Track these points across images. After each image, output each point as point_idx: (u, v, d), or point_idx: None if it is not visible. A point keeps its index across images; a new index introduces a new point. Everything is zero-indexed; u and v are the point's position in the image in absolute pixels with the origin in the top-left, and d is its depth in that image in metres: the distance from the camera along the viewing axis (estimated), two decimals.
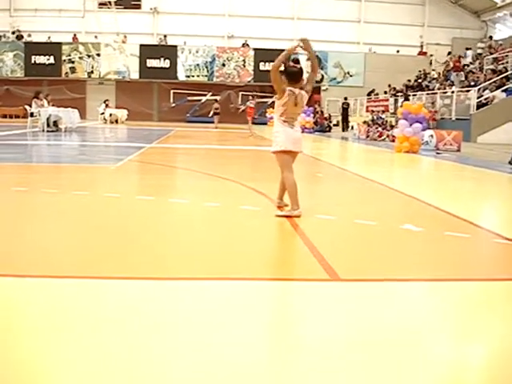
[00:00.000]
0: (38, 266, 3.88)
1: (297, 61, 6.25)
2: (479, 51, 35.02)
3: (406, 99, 26.94)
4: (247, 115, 24.94)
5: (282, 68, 6.05)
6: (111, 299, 3.27)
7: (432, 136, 18.83)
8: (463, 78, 30.14)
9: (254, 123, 25.54)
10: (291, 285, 3.71)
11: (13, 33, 41.85)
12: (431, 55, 40.99)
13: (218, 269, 3.92)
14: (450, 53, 38.30)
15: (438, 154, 17.00)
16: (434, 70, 37.27)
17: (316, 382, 2.33)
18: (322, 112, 33.99)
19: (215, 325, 2.90)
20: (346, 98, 35.96)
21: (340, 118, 35.42)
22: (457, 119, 25.03)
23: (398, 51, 42.39)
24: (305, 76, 6.10)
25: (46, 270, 3.76)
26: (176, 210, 6.30)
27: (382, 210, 6.74)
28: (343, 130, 31.49)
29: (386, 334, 2.87)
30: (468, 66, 32.61)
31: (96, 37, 41.22)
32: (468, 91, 25.96)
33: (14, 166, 10.53)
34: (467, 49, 35.14)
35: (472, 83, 27.50)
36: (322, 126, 32.27)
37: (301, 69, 6.04)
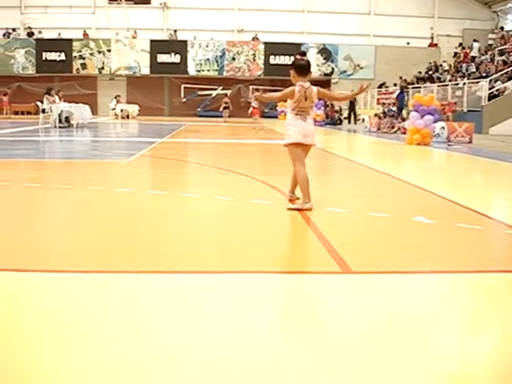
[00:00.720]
0: (52, 261, 3.92)
1: (303, 53, 6.24)
2: (490, 42, 34.80)
3: (401, 92, 27.39)
4: (253, 114, 24.96)
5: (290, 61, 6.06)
6: (124, 293, 3.30)
7: (443, 128, 18.76)
8: (474, 70, 29.97)
9: (263, 117, 25.60)
10: (303, 278, 3.72)
11: (26, 31, 41.92)
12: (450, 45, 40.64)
13: (230, 262, 3.94)
14: (461, 44, 38.06)
15: (449, 145, 16.95)
16: (445, 61, 37.04)
17: (328, 374, 2.35)
18: (332, 105, 33.91)
19: (227, 318, 2.92)
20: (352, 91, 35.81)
21: (347, 111, 35.39)
22: (468, 111, 24.92)
23: (408, 43, 42.18)
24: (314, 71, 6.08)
25: (59, 265, 3.80)
26: (188, 204, 6.33)
27: (394, 203, 6.74)
28: (349, 123, 31.43)
29: (399, 326, 2.88)
30: (475, 58, 32.44)
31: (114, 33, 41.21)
32: (479, 83, 25.82)
33: (26, 162, 10.59)
34: (474, 41, 34.95)
35: (483, 74, 27.34)
36: (332, 119, 32.22)
37: (308, 61, 6.03)
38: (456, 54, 36.13)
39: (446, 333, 2.83)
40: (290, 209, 5.86)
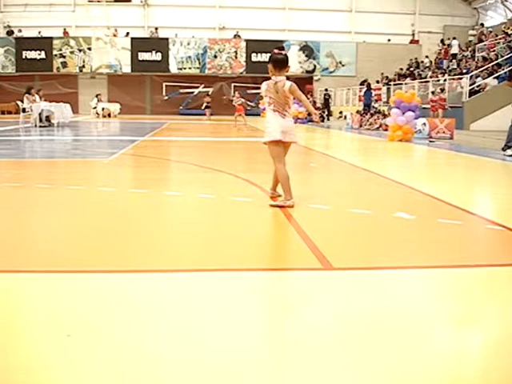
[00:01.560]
0: (34, 261, 3.89)
1: (282, 48, 6.22)
2: (470, 38, 35.06)
3: (368, 90, 29.16)
4: (237, 111, 25.07)
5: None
6: (105, 292, 3.29)
7: (425, 124, 18.87)
8: (455, 66, 30.17)
9: (246, 114, 25.77)
10: (284, 274, 3.73)
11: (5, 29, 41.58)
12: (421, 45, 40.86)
13: (212, 260, 3.93)
14: (442, 41, 38.29)
15: (431, 142, 17.05)
16: (427, 56, 37.24)
17: (311, 372, 2.35)
18: (314, 102, 33.98)
19: (208, 317, 2.92)
20: (326, 90, 36.09)
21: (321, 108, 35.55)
22: (449, 107, 25.06)
23: (389, 40, 42.38)
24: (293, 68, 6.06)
25: (42, 265, 3.77)
26: (170, 203, 6.32)
27: (375, 199, 6.77)
28: (322, 121, 31.42)
29: (381, 322, 2.89)
30: (456, 55, 32.70)
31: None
32: (460, 79, 25.99)
33: (6, 161, 10.50)
34: (454, 38, 35.23)
35: (464, 71, 27.53)
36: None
37: (286, 55, 5.99)
38: (440, 51, 36.27)
39: (429, 329, 2.84)
40: (272, 205, 5.87)
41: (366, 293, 3.35)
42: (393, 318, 2.95)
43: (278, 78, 5.88)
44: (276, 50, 6.00)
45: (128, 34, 41.90)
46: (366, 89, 29.69)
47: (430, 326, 2.87)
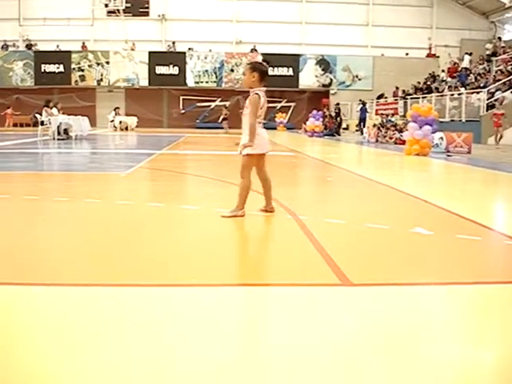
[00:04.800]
0: (50, 275, 3.89)
1: (265, 60, 6.26)
2: (488, 52, 34.97)
3: (363, 106, 34.06)
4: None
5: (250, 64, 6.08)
6: (121, 307, 3.28)
7: (442, 138, 18.77)
8: (473, 80, 30.08)
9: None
10: (302, 290, 3.70)
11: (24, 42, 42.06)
12: (449, 56, 40.66)
13: (228, 274, 3.92)
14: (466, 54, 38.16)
15: (448, 156, 16.95)
16: (443, 70, 37.15)
17: None
18: (331, 116, 33.95)
19: (226, 330, 2.91)
20: (337, 104, 36.34)
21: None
22: (467, 121, 24.97)
23: (406, 54, 42.32)
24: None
25: (58, 279, 3.78)
26: (187, 217, 6.32)
27: (392, 214, 6.73)
28: (333, 135, 31.47)
29: (400, 338, 2.86)
30: (467, 69, 32.66)
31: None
32: (478, 93, 25.88)
33: (25, 174, 10.58)
34: (466, 53, 35.24)
35: (481, 85, 27.43)
36: (331, 130, 32.22)
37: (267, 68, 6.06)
38: (449, 68, 36.25)
39: (448, 345, 2.81)
40: (224, 216, 5.92)
41: (386, 310, 3.32)
42: (412, 334, 2.92)
43: (263, 89, 5.92)
44: (260, 61, 5.99)
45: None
46: (361, 106, 34.14)
47: (451, 343, 2.84)
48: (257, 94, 5.89)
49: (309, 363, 2.56)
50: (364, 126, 32.27)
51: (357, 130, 34.80)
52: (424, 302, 3.51)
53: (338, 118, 34.44)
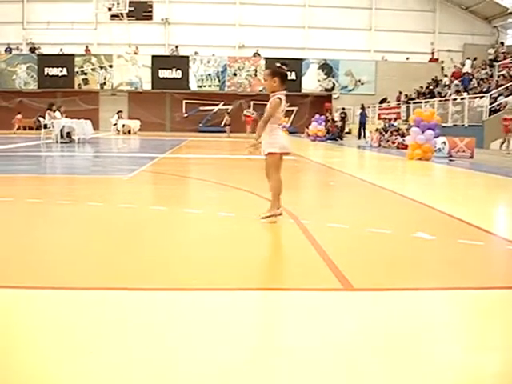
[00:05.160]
0: (53, 278, 3.90)
1: (284, 64, 6.33)
2: (490, 57, 34.98)
3: (363, 110, 35.00)
4: (246, 123, 25.64)
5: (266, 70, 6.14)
6: (124, 310, 3.29)
7: (444, 143, 18.77)
8: (476, 85, 30.08)
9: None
10: (304, 295, 3.71)
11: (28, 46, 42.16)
12: (451, 61, 40.63)
13: (230, 279, 3.93)
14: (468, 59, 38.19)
15: (450, 161, 16.93)
16: (446, 75, 37.15)
17: None
18: (333, 120, 33.98)
19: (228, 334, 2.92)
20: (343, 108, 36.64)
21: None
22: (469, 125, 24.94)
23: (407, 58, 42.36)
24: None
25: (60, 282, 3.78)
26: (190, 221, 6.32)
27: (395, 219, 6.74)
28: (336, 140, 31.67)
29: (401, 343, 2.87)
30: (469, 73, 32.67)
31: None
32: (480, 98, 25.87)
33: (28, 177, 10.61)
34: (468, 58, 35.31)
35: (484, 89, 27.43)
36: (333, 135, 32.21)
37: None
38: (453, 73, 36.27)
39: (450, 351, 2.81)
40: (264, 217, 5.97)
41: (387, 314, 3.32)
42: (414, 340, 2.92)
43: (283, 93, 6.03)
44: (278, 64, 6.10)
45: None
46: (361, 110, 34.98)
47: (453, 349, 2.84)
48: (279, 97, 5.97)
49: (310, 367, 2.56)
50: (364, 131, 33.33)
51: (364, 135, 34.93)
52: (426, 307, 3.52)
53: (341, 123, 34.57)
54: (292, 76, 42.03)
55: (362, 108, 35.43)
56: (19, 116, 37.82)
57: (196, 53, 42.66)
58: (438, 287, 3.87)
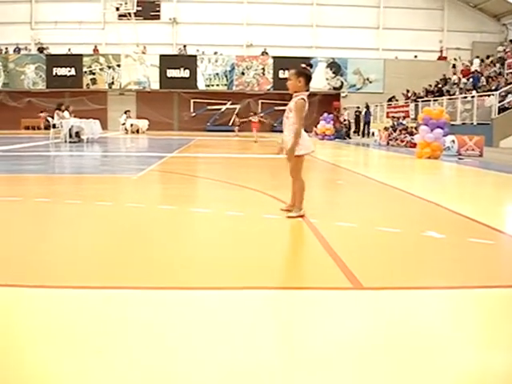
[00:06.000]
0: (58, 277, 3.90)
1: (310, 65, 6.34)
2: (500, 55, 34.83)
3: (368, 109, 35.55)
4: (252, 127, 26.52)
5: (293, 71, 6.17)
6: (132, 309, 3.29)
7: (454, 141, 18.70)
8: (485, 83, 29.97)
9: (272, 131, 26.80)
10: (313, 293, 3.69)
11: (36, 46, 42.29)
12: (459, 59, 40.47)
13: (240, 278, 3.91)
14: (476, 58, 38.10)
15: (460, 159, 16.88)
16: (455, 73, 37.02)
17: None
18: (337, 117, 33.98)
19: (237, 333, 2.90)
20: (358, 107, 36.85)
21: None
22: (478, 124, 24.84)
23: (415, 56, 42.25)
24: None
25: (66, 281, 3.78)
26: (198, 220, 6.31)
27: (404, 217, 6.70)
28: (344, 138, 31.71)
29: (411, 342, 2.85)
30: (476, 72, 32.55)
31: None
32: (489, 96, 25.77)
33: (37, 177, 10.63)
34: (477, 57, 35.24)
35: (493, 87, 27.31)
36: (339, 133, 32.08)
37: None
38: (462, 71, 36.18)
39: (461, 350, 2.79)
40: (290, 217, 6.08)
41: (397, 313, 3.30)
42: (424, 339, 2.90)
43: (305, 93, 6.08)
44: (304, 65, 6.09)
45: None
46: (365, 109, 35.75)
47: (464, 348, 2.82)
48: (303, 98, 6.03)
49: (321, 366, 2.55)
50: (368, 129, 34.83)
51: (367, 133, 35.63)
52: (436, 306, 3.49)
53: (353, 122, 34.66)
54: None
55: (367, 107, 36.04)
56: (43, 114, 37.00)
57: (203, 52, 42.68)
58: (448, 286, 3.84)
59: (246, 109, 41.50)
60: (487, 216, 6.54)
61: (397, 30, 42.59)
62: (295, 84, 6.04)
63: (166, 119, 42.97)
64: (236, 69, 42.76)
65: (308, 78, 6.07)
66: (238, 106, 41.71)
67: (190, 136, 31.53)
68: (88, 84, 42.61)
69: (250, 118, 27.92)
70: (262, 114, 29.98)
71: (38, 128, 37.34)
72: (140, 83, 42.80)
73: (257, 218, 6.17)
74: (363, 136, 33.48)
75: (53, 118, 22.52)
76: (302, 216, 6.09)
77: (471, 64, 35.12)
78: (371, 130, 33.93)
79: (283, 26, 42.69)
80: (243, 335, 2.90)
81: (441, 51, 43.29)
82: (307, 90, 6.11)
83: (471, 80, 31.81)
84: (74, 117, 23.08)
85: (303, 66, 6.11)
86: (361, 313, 3.33)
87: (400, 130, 25.62)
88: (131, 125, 36.58)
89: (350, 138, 32.28)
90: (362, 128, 36.35)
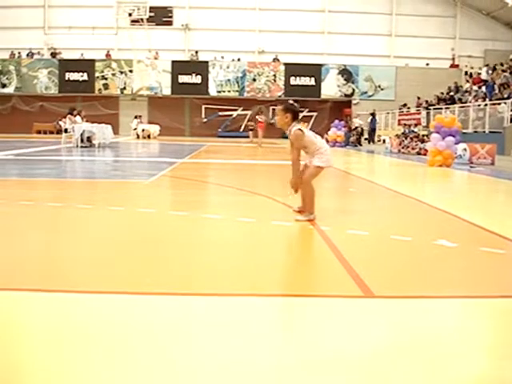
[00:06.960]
0: (69, 281, 3.91)
1: (296, 101, 6.68)
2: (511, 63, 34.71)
3: (373, 117, 35.39)
4: (258, 128, 26.75)
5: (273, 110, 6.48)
6: (142, 315, 3.29)
7: (465, 149, 18.62)
8: (497, 91, 29.88)
9: (282, 137, 27.18)
10: (324, 301, 3.68)
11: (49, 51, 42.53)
12: (470, 66, 40.35)
13: (252, 285, 3.91)
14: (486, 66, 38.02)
15: (471, 167, 16.80)
16: (468, 81, 36.90)
17: None
18: (346, 122, 33.92)
19: (247, 342, 2.90)
20: (372, 114, 36.91)
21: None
22: (490, 132, 24.75)
23: (427, 64, 42.17)
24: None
25: (77, 285, 3.79)
26: (210, 225, 6.31)
27: (415, 226, 6.68)
28: (355, 146, 31.68)
29: (423, 352, 2.84)
30: (486, 81, 32.49)
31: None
32: (499, 104, 25.68)
33: (49, 181, 10.68)
34: (486, 65, 35.20)
35: (505, 96, 27.22)
36: (347, 139, 31.92)
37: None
38: (474, 79, 36.11)
39: (471, 360, 2.78)
40: (298, 220, 6.27)
41: (408, 322, 3.29)
42: (435, 348, 2.89)
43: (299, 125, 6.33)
44: (291, 102, 6.48)
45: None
46: (371, 117, 35.59)
47: (474, 358, 2.81)
48: (299, 129, 6.22)
49: (331, 374, 2.54)
50: (374, 136, 35.47)
51: (376, 140, 35.90)
52: (446, 316, 3.48)
53: (360, 129, 34.55)
54: (311, 81, 42.07)
55: (373, 114, 36.04)
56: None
57: (215, 58, 42.81)
58: (460, 295, 3.83)
59: (257, 114, 41.58)
60: (499, 225, 6.51)
61: (409, 38, 42.56)
62: (282, 119, 6.27)
63: (177, 125, 43.10)
64: (247, 75, 42.84)
65: (295, 114, 6.28)
66: (248, 113, 41.77)
67: (201, 142, 31.59)
68: (100, 89, 42.82)
69: (257, 117, 28.11)
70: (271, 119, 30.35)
71: (50, 132, 37.53)
72: (152, 89, 42.96)
73: (268, 224, 6.16)
74: (369, 143, 33.52)
75: (65, 122, 22.63)
76: (310, 220, 6.18)
77: (480, 73, 35.04)
78: (382, 138, 33.90)
79: (295, 32, 42.76)
80: (254, 342, 2.90)
81: (453, 59, 43.20)
82: (298, 123, 6.33)
83: (484, 88, 31.69)
84: (86, 121, 23.18)
85: (291, 102, 6.40)
86: (372, 321, 3.32)
87: (411, 138, 25.56)
88: (142, 130, 36.68)
89: (360, 145, 32.20)
90: (368, 135, 36.44)
